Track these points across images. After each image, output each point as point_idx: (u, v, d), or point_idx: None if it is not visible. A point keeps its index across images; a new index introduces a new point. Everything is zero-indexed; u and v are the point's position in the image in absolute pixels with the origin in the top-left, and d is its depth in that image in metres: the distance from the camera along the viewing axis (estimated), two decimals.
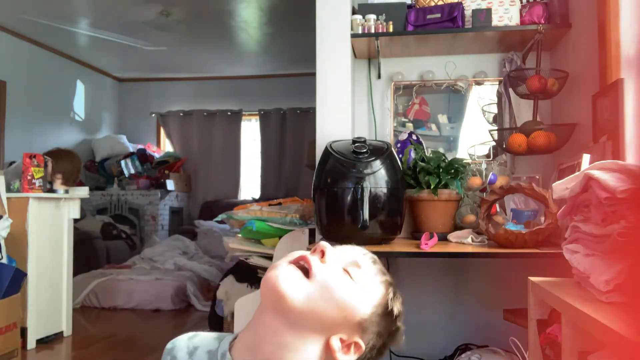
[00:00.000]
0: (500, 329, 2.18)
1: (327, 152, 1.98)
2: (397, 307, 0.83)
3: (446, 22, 2.26)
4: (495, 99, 2.47)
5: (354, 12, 2.38)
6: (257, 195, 6.65)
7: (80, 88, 6.30)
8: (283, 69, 6.50)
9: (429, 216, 2.10)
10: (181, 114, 6.96)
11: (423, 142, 2.42)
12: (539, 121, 2.17)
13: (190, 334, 0.86)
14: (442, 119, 2.55)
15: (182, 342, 0.84)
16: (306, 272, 0.78)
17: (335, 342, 0.78)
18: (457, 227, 2.19)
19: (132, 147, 6.58)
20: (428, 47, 2.43)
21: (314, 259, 0.79)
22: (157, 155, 6.71)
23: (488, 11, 2.24)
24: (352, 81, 2.39)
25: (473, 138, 2.47)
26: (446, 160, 2.14)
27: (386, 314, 0.82)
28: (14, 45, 5.22)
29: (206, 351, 0.81)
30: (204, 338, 0.84)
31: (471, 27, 2.26)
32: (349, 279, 0.79)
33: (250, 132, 7.05)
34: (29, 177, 3.22)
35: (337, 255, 0.82)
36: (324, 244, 0.81)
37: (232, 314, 2.51)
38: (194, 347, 0.82)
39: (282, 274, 0.76)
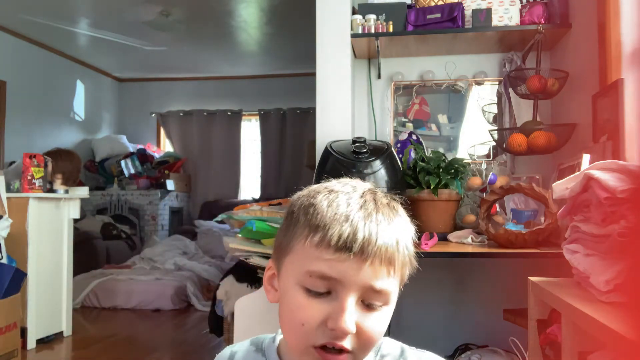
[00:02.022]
0: (500, 329, 2.18)
1: (327, 152, 1.98)
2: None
3: (446, 22, 2.26)
4: (495, 99, 2.46)
5: (354, 12, 2.38)
6: (257, 195, 6.64)
7: (80, 88, 6.30)
8: (283, 69, 6.49)
9: (429, 216, 2.10)
10: (181, 114, 6.96)
11: (423, 142, 2.41)
12: (539, 121, 2.17)
13: (227, 352, 0.79)
14: (442, 119, 2.54)
15: None
16: None
17: None
18: (457, 227, 2.19)
19: (132, 147, 6.58)
20: (428, 47, 2.43)
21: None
22: (157, 155, 6.70)
23: (488, 11, 2.24)
24: (352, 81, 2.39)
25: (473, 138, 2.47)
26: (446, 160, 2.14)
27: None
28: (14, 45, 5.22)
29: None
30: (243, 352, 0.78)
31: (471, 27, 2.26)
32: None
33: (250, 132, 7.05)
34: (29, 177, 3.22)
35: None
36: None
37: (232, 314, 2.51)
38: None
39: None
